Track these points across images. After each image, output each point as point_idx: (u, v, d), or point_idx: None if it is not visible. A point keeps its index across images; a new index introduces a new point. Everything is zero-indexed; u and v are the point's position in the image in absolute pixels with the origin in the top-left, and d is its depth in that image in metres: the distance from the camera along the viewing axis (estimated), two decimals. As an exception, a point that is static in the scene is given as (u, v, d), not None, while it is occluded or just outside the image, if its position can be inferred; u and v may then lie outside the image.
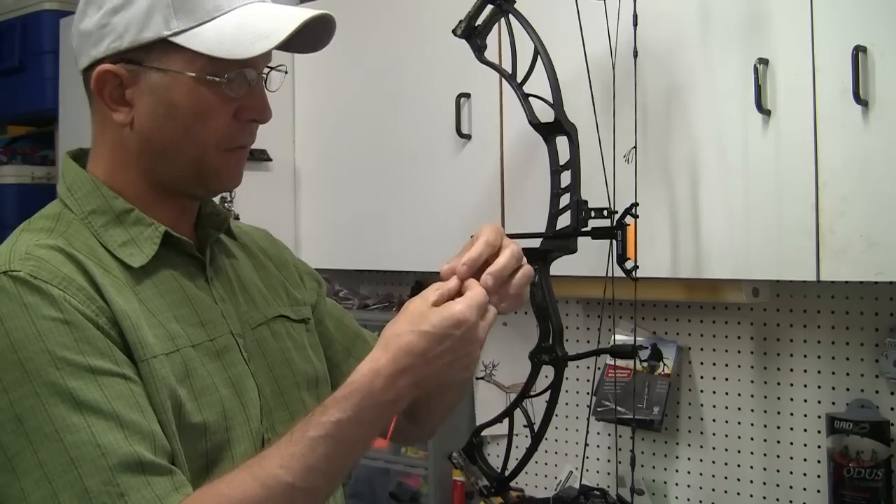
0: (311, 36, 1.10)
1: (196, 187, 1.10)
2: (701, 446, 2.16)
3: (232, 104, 1.06)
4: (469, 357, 1.02)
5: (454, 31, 1.76)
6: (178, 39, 1.02)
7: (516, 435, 1.70)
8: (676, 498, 2.19)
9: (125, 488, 0.91)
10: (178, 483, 0.95)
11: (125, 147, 1.08)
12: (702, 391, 2.15)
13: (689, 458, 2.17)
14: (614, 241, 1.65)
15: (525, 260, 1.10)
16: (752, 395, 2.08)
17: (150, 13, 1.02)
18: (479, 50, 1.76)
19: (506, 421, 1.65)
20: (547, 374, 1.59)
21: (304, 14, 1.05)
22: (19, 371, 0.92)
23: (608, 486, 2.20)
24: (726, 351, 2.12)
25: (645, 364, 2.14)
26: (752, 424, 2.08)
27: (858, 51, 1.57)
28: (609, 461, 2.26)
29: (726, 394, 2.12)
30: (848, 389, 1.95)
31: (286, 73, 1.14)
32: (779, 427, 2.04)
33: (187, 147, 1.06)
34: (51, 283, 0.96)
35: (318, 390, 1.22)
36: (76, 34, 1.08)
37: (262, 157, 2.37)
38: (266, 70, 1.10)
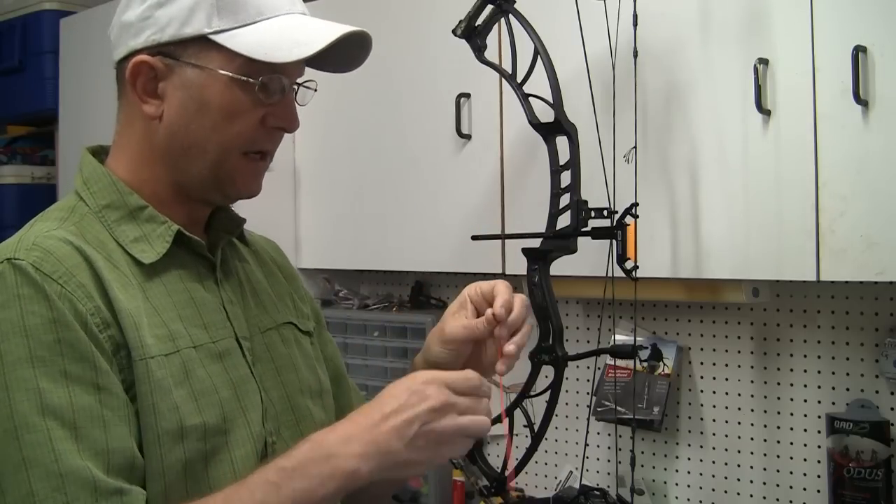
0: (345, 55, 1.11)
1: (212, 191, 1.10)
2: (701, 446, 2.16)
3: (261, 109, 1.07)
4: (430, 426, 0.97)
5: (454, 31, 1.76)
6: (218, 38, 1.04)
7: (516, 435, 1.70)
8: (676, 498, 2.19)
9: (72, 499, 0.90)
10: (127, 502, 0.93)
11: (150, 141, 1.08)
12: (702, 391, 2.15)
13: (689, 458, 2.17)
14: (614, 241, 1.65)
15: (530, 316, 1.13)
16: (752, 395, 2.08)
17: (193, 10, 1.04)
18: (479, 50, 1.77)
19: (506, 421, 1.65)
20: (547, 374, 1.59)
21: (342, 29, 1.07)
22: None
23: (608, 486, 2.20)
24: (726, 351, 2.12)
25: (645, 364, 2.14)
26: (752, 424, 2.08)
27: (858, 51, 1.57)
28: (609, 461, 2.26)
29: (726, 394, 2.12)
30: (848, 389, 1.95)
31: (315, 90, 1.15)
32: (779, 427, 2.04)
33: (211, 146, 1.07)
34: (51, 276, 0.96)
35: (323, 400, 1.22)
36: (116, 25, 1.09)
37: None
38: (296, 84, 1.12)
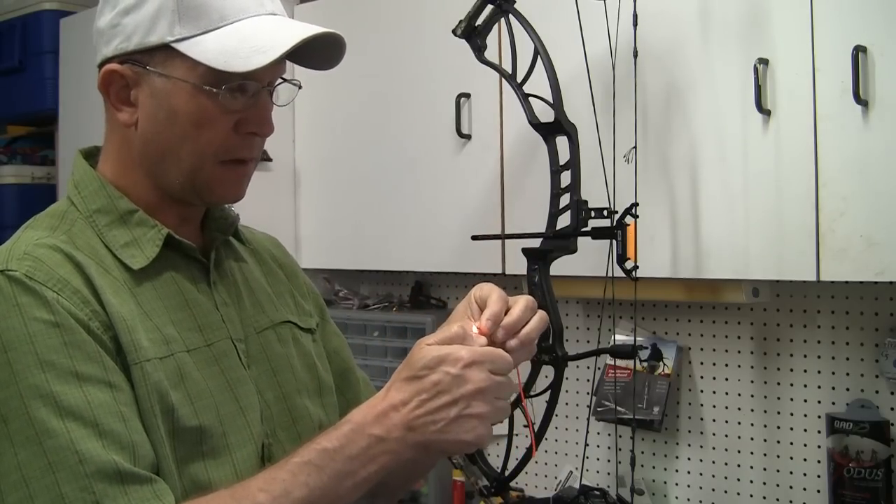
0: (323, 52, 1.09)
1: (192, 197, 1.09)
2: (701, 446, 2.16)
3: (232, 116, 1.05)
4: (470, 410, 0.96)
5: (454, 31, 1.76)
6: (180, 46, 1.02)
7: (516, 435, 1.70)
8: (676, 498, 2.19)
9: (101, 496, 0.90)
10: (159, 491, 0.94)
11: (129, 147, 1.08)
12: (702, 391, 2.15)
13: (689, 458, 2.17)
14: (614, 241, 1.65)
15: (536, 306, 1.07)
16: (752, 395, 2.08)
17: (156, 18, 1.02)
18: (479, 50, 1.77)
19: (506, 421, 1.65)
20: (547, 374, 1.59)
21: (307, 30, 1.04)
22: (7, 372, 0.92)
23: (608, 486, 2.20)
24: (726, 351, 2.12)
25: (645, 364, 2.14)
26: (752, 424, 2.08)
27: (858, 51, 1.57)
28: (609, 461, 2.26)
29: (726, 394, 2.12)
30: (848, 389, 1.95)
31: (300, 87, 1.13)
32: (779, 427, 2.04)
33: (185, 155, 1.05)
34: (45, 284, 0.96)
35: (323, 399, 1.21)
36: (94, 31, 1.09)
37: (262, 157, 2.37)
38: (279, 82, 1.09)
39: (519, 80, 1.73)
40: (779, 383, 2.05)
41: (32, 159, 3.13)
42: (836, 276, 1.66)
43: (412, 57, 2.25)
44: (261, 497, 0.94)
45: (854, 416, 1.88)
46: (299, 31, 1.04)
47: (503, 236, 2.00)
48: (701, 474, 2.16)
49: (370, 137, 2.35)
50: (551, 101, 1.66)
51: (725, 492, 2.12)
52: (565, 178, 1.67)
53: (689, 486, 2.17)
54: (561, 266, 1.67)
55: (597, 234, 1.64)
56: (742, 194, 1.73)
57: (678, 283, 1.92)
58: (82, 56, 2.74)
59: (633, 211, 1.64)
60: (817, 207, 1.64)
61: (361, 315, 2.60)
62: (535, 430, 1.59)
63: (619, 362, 2.13)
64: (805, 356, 2.01)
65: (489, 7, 1.74)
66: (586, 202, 1.65)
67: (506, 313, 1.05)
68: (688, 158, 1.80)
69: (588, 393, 2.24)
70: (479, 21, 1.76)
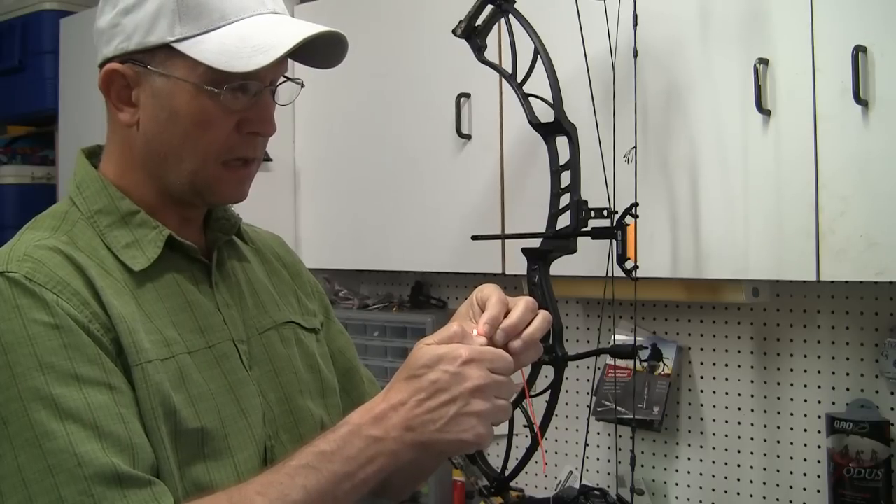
0: (324, 51, 1.08)
1: (194, 197, 1.09)
2: (701, 446, 2.16)
3: (233, 115, 1.05)
4: (469, 408, 0.95)
5: (454, 31, 1.76)
6: (180, 46, 1.02)
7: (516, 435, 1.70)
8: (676, 498, 2.19)
9: (100, 499, 0.90)
10: (158, 493, 0.94)
11: (131, 147, 1.07)
12: (702, 391, 2.15)
13: (689, 458, 2.17)
14: (614, 241, 1.65)
15: (537, 307, 1.06)
16: (752, 395, 2.08)
17: (156, 17, 1.02)
18: (479, 50, 1.77)
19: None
20: (547, 374, 1.59)
21: (309, 29, 1.03)
22: (7, 374, 0.92)
23: (608, 486, 2.20)
24: (726, 351, 2.12)
25: (645, 364, 2.14)
26: (752, 424, 2.08)
27: (858, 51, 1.57)
28: (609, 461, 2.26)
29: (726, 394, 2.12)
30: (848, 389, 1.95)
31: (302, 86, 1.13)
32: (779, 427, 2.04)
33: (187, 155, 1.05)
34: (45, 286, 0.95)
35: (325, 400, 1.21)
36: (94, 31, 1.08)
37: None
38: (281, 81, 1.09)
39: (519, 80, 1.73)
40: (779, 383, 2.05)
41: (32, 159, 3.13)
42: (836, 276, 1.66)
43: (412, 57, 2.25)
44: (258, 500, 0.93)
45: (854, 416, 1.88)
46: (301, 29, 1.03)
47: (503, 236, 2.00)
48: (701, 474, 2.16)
49: (370, 137, 2.35)
50: (551, 101, 1.66)
51: (725, 492, 2.12)
52: (565, 178, 1.67)
53: (689, 486, 2.17)
54: (561, 266, 1.67)
55: (597, 234, 1.64)
56: (742, 194, 1.73)
57: (678, 283, 1.92)
58: (82, 56, 2.74)
59: (633, 211, 1.64)
60: (817, 207, 1.64)
61: (361, 315, 2.60)
62: (537, 432, 1.59)
63: (619, 362, 2.13)
64: (805, 356, 2.01)
65: (489, 7, 1.74)
66: (586, 202, 1.65)
67: (506, 316, 1.04)
68: (688, 158, 1.80)
69: (588, 393, 2.24)
70: (479, 21, 1.76)
